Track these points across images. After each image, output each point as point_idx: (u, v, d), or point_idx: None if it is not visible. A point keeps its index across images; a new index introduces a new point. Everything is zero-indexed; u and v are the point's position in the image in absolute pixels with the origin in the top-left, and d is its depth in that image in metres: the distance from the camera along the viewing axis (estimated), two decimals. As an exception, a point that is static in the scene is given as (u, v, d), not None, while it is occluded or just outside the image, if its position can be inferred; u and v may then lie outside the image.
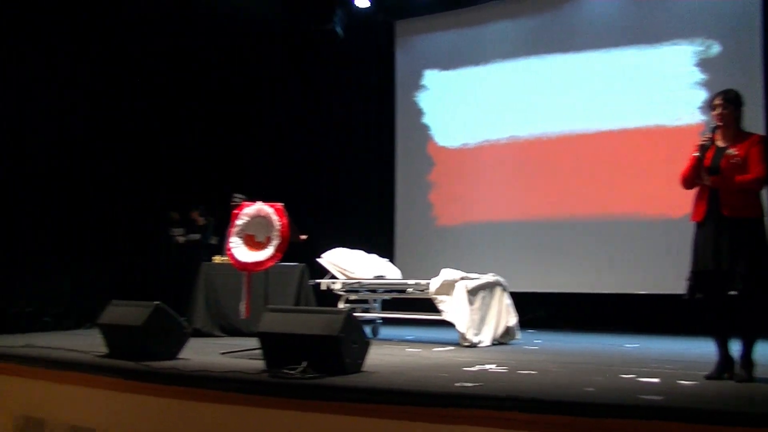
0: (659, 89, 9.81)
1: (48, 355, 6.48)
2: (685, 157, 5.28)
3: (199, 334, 8.28)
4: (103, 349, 6.43)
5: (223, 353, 6.61)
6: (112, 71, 10.73)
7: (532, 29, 10.85)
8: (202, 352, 6.62)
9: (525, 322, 8.41)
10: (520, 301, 8.36)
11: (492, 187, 10.76)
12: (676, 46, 9.76)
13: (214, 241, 10.54)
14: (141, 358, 5.94)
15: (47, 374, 6.20)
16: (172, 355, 6.23)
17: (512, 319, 8.01)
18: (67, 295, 9.92)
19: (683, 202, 5.77)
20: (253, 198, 7.34)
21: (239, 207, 7.32)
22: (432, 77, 11.46)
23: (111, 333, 6.44)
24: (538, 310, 9.79)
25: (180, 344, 6.37)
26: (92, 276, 10.21)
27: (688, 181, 5.25)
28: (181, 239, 10.89)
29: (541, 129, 10.45)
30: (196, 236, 10.76)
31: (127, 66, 10.88)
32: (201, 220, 10.87)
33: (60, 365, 6.18)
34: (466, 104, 11.09)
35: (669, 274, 8.71)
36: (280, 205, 7.04)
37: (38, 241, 9.73)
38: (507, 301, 8.05)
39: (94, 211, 10.35)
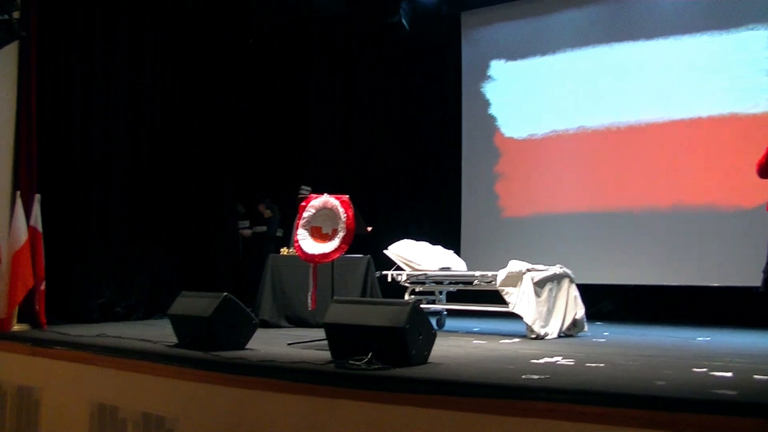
0: (733, 76, 9.57)
1: (120, 344, 6.62)
2: (761, 145, 5.12)
3: (266, 324, 8.36)
4: (173, 339, 6.54)
5: (290, 344, 6.66)
6: (182, 69, 10.86)
7: (600, 17, 10.67)
8: (270, 343, 6.67)
9: (593, 314, 8.29)
10: (588, 292, 8.24)
11: (559, 178, 10.62)
12: (752, 31, 9.49)
13: (279, 233, 10.62)
14: (209, 348, 6.03)
15: (120, 363, 6.31)
16: (240, 345, 6.29)
17: (580, 311, 7.90)
18: (138, 286, 10.09)
19: (758, 192, 5.61)
20: (319, 190, 7.36)
21: (306, 200, 7.35)
22: (498, 68, 11.36)
23: (181, 323, 6.54)
24: (605, 302, 9.63)
25: (248, 335, 6.43)
26: (163, 268, 10.39)
27: (765, 170, 5.09)
28: (247, 232, 10.98)
29: (610, 119, 10.27)
30: (263, 228, 10.84)
31: (197, 62, 11.00)
32: (267, 213, 10.94)
33: (132, 354, 6.30)
34: (532, 94, 10.97)
35: (742, 266, 8.51)
36: (346, 197, 7.04)
37: (111, 235, 9.91)
38: (574, 292, 7.94)
39: (165, 207, 10.50)
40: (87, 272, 9.59)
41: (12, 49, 8.39)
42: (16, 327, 8.11)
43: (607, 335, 7.96)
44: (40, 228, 8.30)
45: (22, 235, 8.12)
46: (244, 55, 11.55)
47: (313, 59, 12.20)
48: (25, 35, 8.11)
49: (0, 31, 7.75)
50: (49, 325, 8.34)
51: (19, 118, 8.67)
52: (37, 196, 8.40)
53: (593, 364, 5.38)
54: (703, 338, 7.66)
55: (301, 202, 7.48)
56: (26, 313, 8.28)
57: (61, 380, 6.89)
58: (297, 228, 7.29)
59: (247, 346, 6.32)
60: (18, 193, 8.34)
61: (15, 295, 8.09)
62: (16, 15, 7.72)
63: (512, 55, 11.26)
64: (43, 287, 8.34)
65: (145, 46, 10.48)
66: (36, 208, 8.31)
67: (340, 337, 5.42)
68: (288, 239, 8.72)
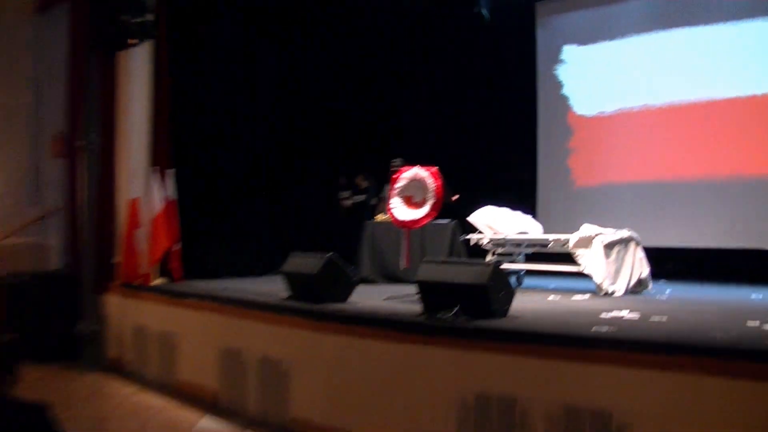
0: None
1: (242, 297, 6.79)
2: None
3: (365, 281, 8.43)
4: (286, 293, 6.64)
5: (386, 299, 6.70)
6: (291, 57, 10.99)
7: (665, 4, 10.31)
8: (368, 297, 6.71)
9: (657, 274, 8.10)
10: (653, 254, 8.06)
11: (626, 152, 10.38)
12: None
13: (374, 201, 10.68)
14: (317, 301, 6.13)
15: (242, 313, 6.49)
16: (343, 299, 6.36)
17: (645, 271, 7.74)
18: (256, 247, 10.31)
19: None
20: (409, 163, 7.38)
21: (398, 172, 7.38)
22: (570, 52, 11.11)
23: (292, 279, 6.63)
24: (669, 263, 9.39)
25: (349, 290, 6.48)
26: (277, 231, 10.57)
27: None
28: (348, 201, 11.08)
29: (672, 97, 9.95)
30: (361, 197, 10.91)
31: (304, 49, 11.10)
32: (364, 184, 11.00)
33: (252, 306, 6.47)
34: (602, 76, 10.70)
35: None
36: (435, 169, 7.05)
37: (234, 203, 10.14)
38: (640, 254, 7.78)
39: (280, 178, 10.69)
40: (214, 234, 9.83)
41: (147, 46, 8.62)
42: (156, 281, 8.41)
43: (670, 293, 7.78)
44: (174, 197, 8.55)
45: (159, 204, 8.39)
46: (344, 39, 11.56)
47: (404, 43, 12.12)
48: (157, 35, 8.32)
49: (137, 32, 7.98)
50: (184, 280, 8.59)
51: (154, 105, 8.91)
52: (171, 171, 8.65)
53: (656, 318, 5.30)
54: (757, 296, 7.42)
55: (394, 174, 7.52)
56: (164, 270, 8.58)
57: (194, 327, 7.12)
58: (390, 197, 7.34)
59: (349, 300, 6.38)
60: (155, 168, 8.60)
61: (154, 254, 8.39)
62: (150, 18, 7.92)
63: (583, 40, 10.99)
64: (177, 247, 8.60)
65: (259, 34, 10.62)
66: (170, 181, 8.56)
67: (430, 292, 5.43)
68: (383, 207, 8.76)
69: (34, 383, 2.91)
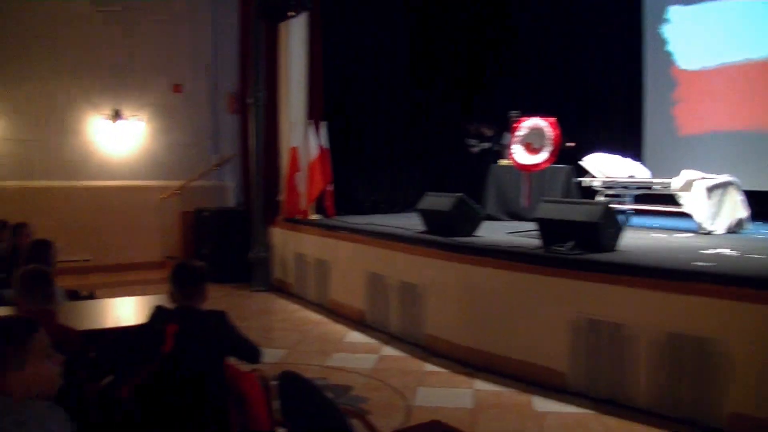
0: None
1: (384, 230, 6.95)
2: None
3: (490, 218, 8.42)
4: (422, 227, 6.75)
5: (509, 233, 6.69)
6: (421, 25, 10.94)
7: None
8: (492, 232, 6.71)
9: (756, 215, 7.71)
10: (752, 198, 7.66)
11: (728, 103, 9.74)
12: None
13: (497, 148, 10.58)
14: (448, 234, 6.20)
15: (384, 244, 6.67)
16: (470, 233, 6.39)
17: (744, 213, 7.37)
18: (396, 187, 10.50)
19: None
20: (526, 114, 7.31)
21: (517, 121, 7.33)
22: (675, 12, 10.47)
23: (427, 216, 6.72)
24: (766, 205, 8.89)
25: (476, 225, 6.49)
26: (414, 174, 10.70)
27: None
28: (475, 148, 11.01)
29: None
30: (486, 144, 10.83)
31: (431, 20, 11.02)
32: (488, 132, 10.89)
33: (393, 238, 6.62)
34: (704, 34, 10.05)
35: None
36: (553, 119, 6.96)
37: (377, 150, 10.35)
38: (739, 197, 7.40)
39: (415, 128, 10.77)
40: (360, 177, 10.10)
41: (304, 17, 8.82)
42: (313, 216, 8.75)
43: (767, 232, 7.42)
44: (327, 146, 8.80)
45: (314, 151, 8.67)
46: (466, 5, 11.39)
47: (519, 7, 11.79)
48: (311, 7, 8.48)
49: (295, 4, 8.17)
50: (336, 216, 8.86)
51: (309, 67, 9.15)
52: (325, 123, 8.89)
53: (754, 256, 5.10)
54: None
55: (514, 123, 7.47)
56: (320, 207, 8.90)
57: (344, 255, 7.41)
58: (512, 144, 7.32)
59: (476, 234, 6.41)
60: (311, 121, 8.87)
61: (311, 194, 8.73)
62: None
63: (687, 1, 10.35)
64: (330, 188, 8.89)
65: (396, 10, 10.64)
66: (324, 132, 8.81)
67: (548, 228, 5.42)
68: (505, 153, 8.68)
69: (216, 300, 3.20)
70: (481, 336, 5.40)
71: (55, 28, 9.65)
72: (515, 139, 7.22)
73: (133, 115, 10.27)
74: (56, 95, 9.75)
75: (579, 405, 4.52)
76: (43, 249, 4.47)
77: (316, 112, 9.05)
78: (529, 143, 7.07)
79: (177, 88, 10.52)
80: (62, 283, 4.43)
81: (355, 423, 2.35)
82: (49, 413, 1.97)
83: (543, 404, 4.58)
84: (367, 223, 7.60)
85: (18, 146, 9.56)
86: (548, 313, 4.87)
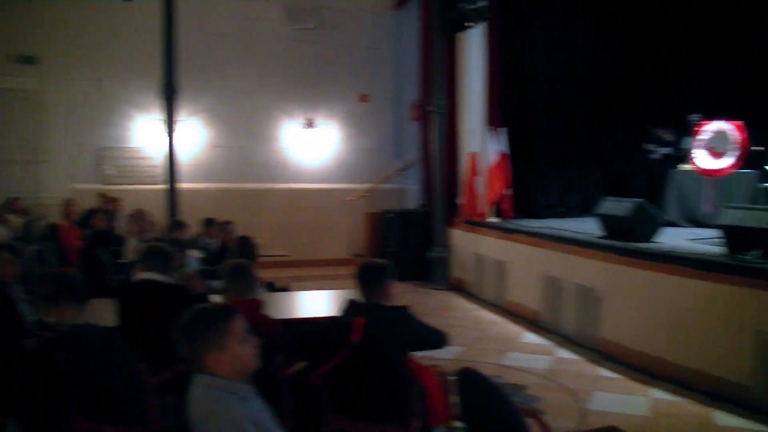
0: None
1: (562, 234, 6.96)
2: None
3: (670, 224, 8.09)
4: (600, 232, 6.66)
5: (689, 239, 6.44)
6: (600, 30, 10.62)
7: None
8: (672, 238, 6.50)
9: None
10: None
11: None
12: None
13: (677, 153, 10.03)
14: (627, 239, 6.10)
15: (561, 247, 6.68)
16: (649, 238, 6.24)
17: None
18: (573, 192, 10.30)
19: None
20: (707, 118, 6.93)
21: (698, 125, 6.99)
22: None
23: (605, 220, 6.63)
24: None
25: (655, 230, 6.33)
26: (592, 179, 10.43)
27: None
28: (655, 154, 10.50)
29: None
30: (667, 149, 10.31)
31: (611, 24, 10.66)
32: (668, 136, 10.35)
33: (570, 242, 6.61)
34: None
35: None
36: (740, 122, 6.56)
37: (556, 155, 10.21)
38: None
39: (593, 134, 10.49)
40: (539, 182, 10.05)
41: (481, 28, 8.95)
42: (491, 219, 8.88)
43: None
44: (506, 151, 8.89)
45: (494, 156, 8.79)
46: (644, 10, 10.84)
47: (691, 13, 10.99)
48: (489, 18, 8.57)
49: (473, 16, 8.33)
50: (513, 219, 8.92)
51: (487, 75, 9.28)
52: (504, 129, 8.97)
53: None
54: None
55: (694, 127, 7.12)
56: (498, 210, 9.01)
57: (521, 257, 7.49)
58: (693, 148, 6.98)
59: (654, 239, 6.24)
60: (490, 127, 8.99)
61: (490, 197, 8.87)
62: (483, 3, 8.19)
63: None
64: (509, 192, 8.98)
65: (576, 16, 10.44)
66: (503, 137, 8.89)
67: (733, 236, 5.15)
68: (685, 158, 8.25)
69: (398, 296, 3.42)
70: (659, 343, 5.28)
71: (262, 48, 10.68)
72: (697, 143, 6.89)
73: (324, 124, 10.97)
74: (258, 108, 10.75)
75: (765, 423, 4.28)
76: (247, 245, 4.90)
77: (494, 118, 9.18)
78: (712, 147, 6.72)
79: (363, 98, 11.11)
80: (261, 276, 4.85)
81: (530, 422, 2.42)
82: (255, 394, 2.23)
83: (724, 418, 4.41)
84: (545, 227, 7.61)
85: (223, 153, 10.65)
86: (732, 324, 4.66)
